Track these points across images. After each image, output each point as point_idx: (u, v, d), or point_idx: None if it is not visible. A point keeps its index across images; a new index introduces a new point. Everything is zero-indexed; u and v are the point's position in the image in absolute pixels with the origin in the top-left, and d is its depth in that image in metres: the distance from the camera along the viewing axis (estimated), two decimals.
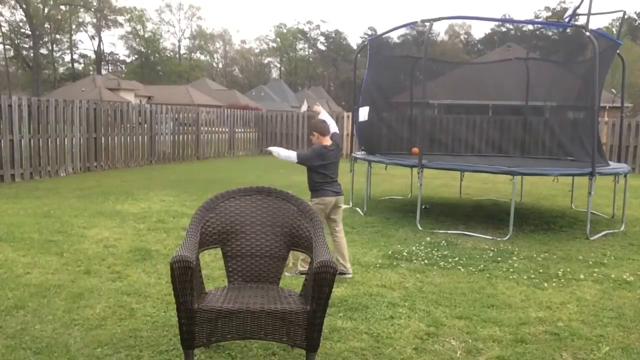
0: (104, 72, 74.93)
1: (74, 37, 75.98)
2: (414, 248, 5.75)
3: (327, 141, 4.73)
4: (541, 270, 5.06)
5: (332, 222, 4.84)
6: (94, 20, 75.20)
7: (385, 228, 6.74)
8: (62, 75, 75.04)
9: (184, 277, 2.67)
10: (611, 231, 6.99)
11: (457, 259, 5.38)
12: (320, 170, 4.67)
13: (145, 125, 14.37)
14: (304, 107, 25.15)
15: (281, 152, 4.71)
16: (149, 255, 5.17)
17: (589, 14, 7.09)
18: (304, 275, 4.34)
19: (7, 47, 65.75)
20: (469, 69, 12.85)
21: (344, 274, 4.65)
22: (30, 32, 65.33)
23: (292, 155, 4.68)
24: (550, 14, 66.29)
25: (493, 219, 7.74)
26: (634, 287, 4.64)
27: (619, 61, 8.12)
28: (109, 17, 75.55)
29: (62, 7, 68.65)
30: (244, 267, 3.26)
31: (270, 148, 4.76)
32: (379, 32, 16.72)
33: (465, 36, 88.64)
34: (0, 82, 61.51)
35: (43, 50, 69.87)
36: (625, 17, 10.13)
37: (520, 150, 9.67)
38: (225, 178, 11.46)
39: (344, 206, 4.76)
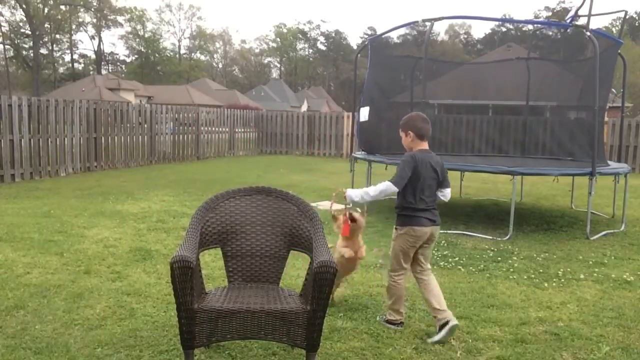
0: (104, 72, 75.06)
1: (74, 37, 76.22)
2: None
3: (424, 146, 3.70)
4: (541, 270, 5.06)
5: (419, 256, 3.57)
6: (94, 20, 75.39)
7: (385, 228, 6.72)
8: (62, 75, 75.14)
9: (184, 277, 2.67)
10: (611, 231, 6.99)
11: (457, 259, 5.38)
12: (411, 188, 3.51)
13: (145, 125, 14.37)
14: (304, 107, 25.14)
15: (362, 192, 3.56)
16: (149, 255, 5.17)
17: (589, 14, 7.08)
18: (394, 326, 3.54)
19: (7, 47, 65.81)
20: (469, 69, 12.84)
21: (447, 323, 3.33)
22: (30, 32, 65.41)
23: (382, 188, 3.49)
24: (550, 14, 66.31)
25: (493, 219, 7.73)
26: (634, 287, 4.64)
27: (619, 61, 8.11)
28: (109, 17, 75.72)
29: (62, 7, 68.72)
30: (244, 267, 3.26)
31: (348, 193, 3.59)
32: (379, 32, 16.71)
33: (465, 36, 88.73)
34: (0, 82, 61.54)
35: (43, 50, 69.97)
36: (627, 17, 10.13)
37: (520, 150, 9.67)
38: (225, 178, 11.45)
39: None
